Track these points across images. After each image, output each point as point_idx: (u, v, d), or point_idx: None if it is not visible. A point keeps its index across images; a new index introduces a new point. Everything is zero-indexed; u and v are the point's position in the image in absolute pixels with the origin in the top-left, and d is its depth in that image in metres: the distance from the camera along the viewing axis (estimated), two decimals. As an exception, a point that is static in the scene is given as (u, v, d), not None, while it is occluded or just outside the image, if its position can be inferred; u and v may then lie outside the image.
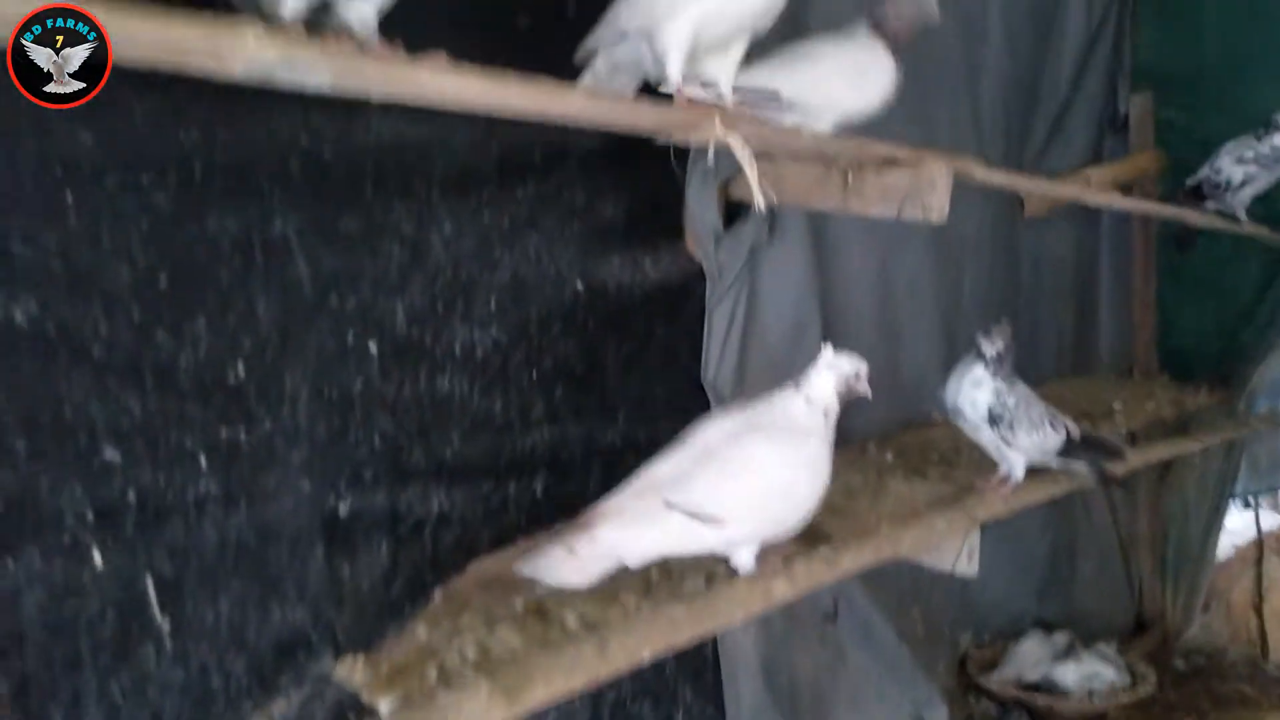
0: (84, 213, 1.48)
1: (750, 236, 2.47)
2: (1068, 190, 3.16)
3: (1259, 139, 3.32)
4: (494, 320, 2.06)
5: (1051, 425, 2.32)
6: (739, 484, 1.71)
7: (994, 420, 2.28)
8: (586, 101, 1.43)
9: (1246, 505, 4.69)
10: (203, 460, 1.63)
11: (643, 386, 2.41)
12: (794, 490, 1.78)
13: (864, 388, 1.84)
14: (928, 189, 1.98)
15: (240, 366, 1.68)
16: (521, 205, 2.09)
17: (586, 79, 1.84)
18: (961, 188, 3.23)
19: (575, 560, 1.64)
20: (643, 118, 1.53)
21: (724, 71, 1.71)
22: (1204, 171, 3.45)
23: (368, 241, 1.85)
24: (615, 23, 1.69)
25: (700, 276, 2.52)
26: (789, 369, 2.71)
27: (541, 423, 2.18)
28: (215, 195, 1.63)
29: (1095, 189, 3.57)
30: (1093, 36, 3.73)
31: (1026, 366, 3.83)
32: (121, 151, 1.51)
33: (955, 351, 3.29)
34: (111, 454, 1.52)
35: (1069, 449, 2.35)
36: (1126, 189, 3.89)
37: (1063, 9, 3.58)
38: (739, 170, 2.43)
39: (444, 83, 1.26)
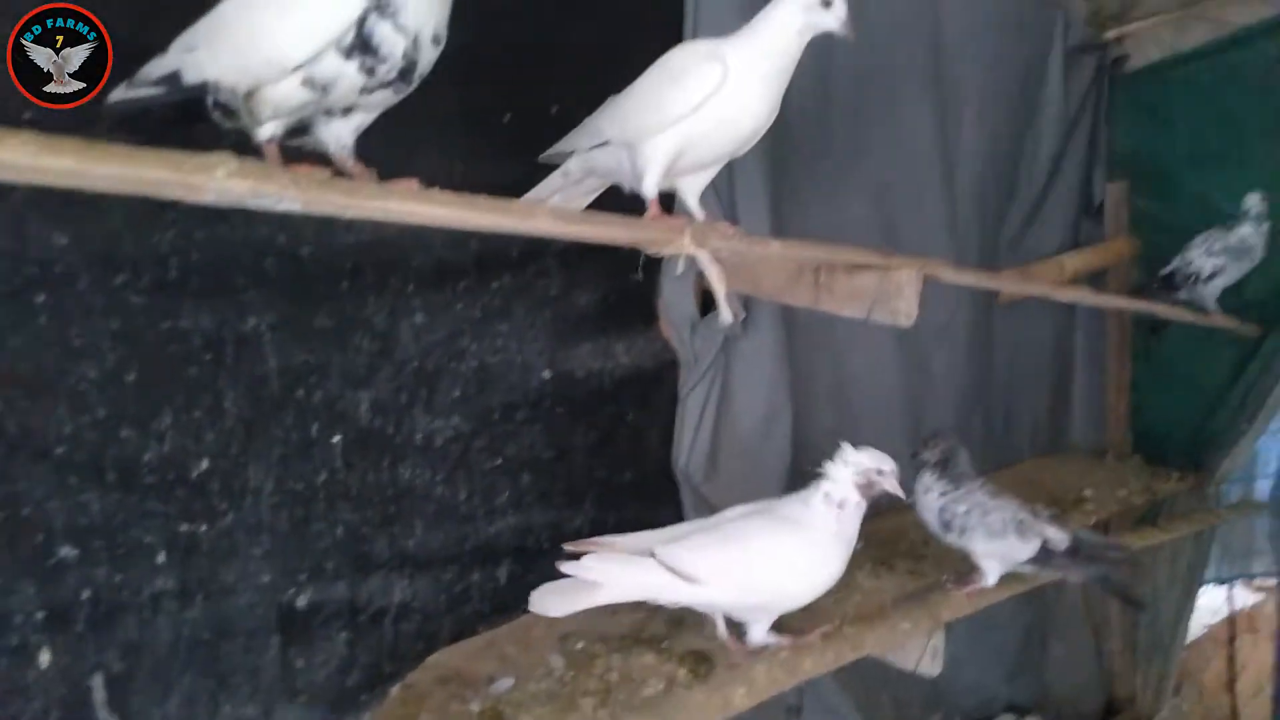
0: (54, 314, 1.51)
1: (725, 327, 2.50)
2: (1038, 287, 3.21)
3: (1228, 230, 3.39)
4: (459, 408, 2.08)
5: (1019, 534, 2.21)
6: (722, 552, 1.79)
7: (945, 526, 2.29)
8: (556, 221, 1.46)
9: (1220, 583, 4.71)
10: (161, 555, 1.64)
11: (611, 472, 2.42)
12: (784, 569, 1.84)
13: (891, 485, 1.85)
14: (895, 294, 2.01)
15: (204, 462, 1.69)
16: (495, 296, 2.12)
17: (556, 178, 1.88)
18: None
19: (557, 591, 1.68)
20: (614, 234, 1.56)
21: (695, 190, 1.76)
22: (1176, 262, 3.51)
23: (339, 335, 1.87)
24: (597, 129, 1.73)
25: (674, 363, 2.54)
26: (760, 456, 2.76)
27: (506, 510, 2.19)
28: (189, 293, 1.65)
29: (1067, 283, 3.64)
30: (1070, 126, 3.82)
31: (1000, 449, 3.90)
32: (96, 252, 1.54)
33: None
34: (67, 552, 1.52)
35: (1048, 558, 2.27)
36: (1101, 275, 3.96)
37: (1040, 101, 3.67)
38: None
39: (413, 209, 1.29)
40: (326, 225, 1.81)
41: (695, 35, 2.34)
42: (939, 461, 2.32)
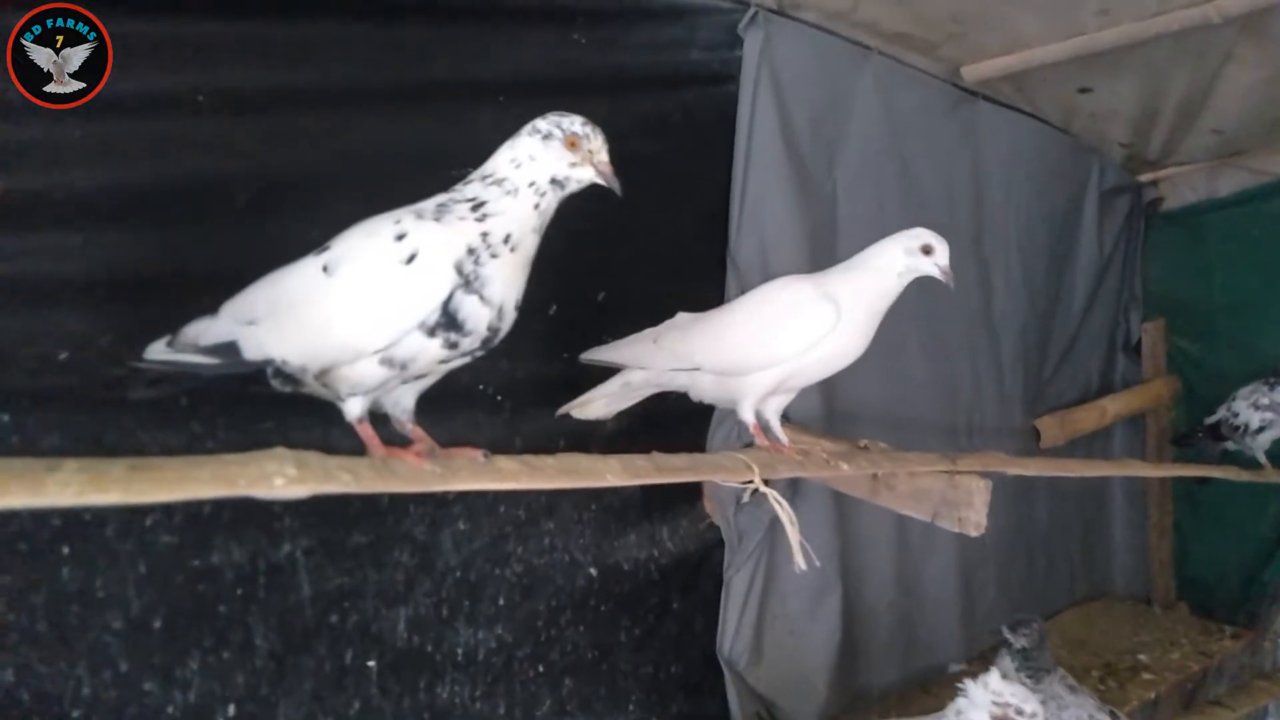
0: (79, 565, 1.39)
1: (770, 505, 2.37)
2: (1101, 468, 3.12)
3: (1271, 386, 3.30)
4: (502, 618, 1.94)
5: (1096, 733, 2.13)
6: None
7: None
8: (626, 474, 1.36)
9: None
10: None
11: (656, 667, 2.27)
12: None
13: None
14: (964, 502, 1.89)
15: (230, 708, 1.55)
16: (541, 493, 2.00)
17: (615, 386, 1.80)
18: (988, 432, 3.21)
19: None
20: (683, 476, 1.46)
21: (778, 408, 1.69)
22: (1221, 413, 3.42)
23: (376, 552, 1.75)
24: (685, 354, 1.68)
25: (719, 543, 2.41)
26: (808, 637, 2.61)
27: (547, 720, 2.03)
28: (222, 526, 1.53)
29: (1108, 425, 3.55)
30: (1104, 266, 3.77)
31: (1041, 595, 3.74)
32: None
33: (972, 598, 3.20)
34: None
35: None
36: (1140, 417, 3.86)
37: (1076, 243, 3.62)
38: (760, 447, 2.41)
39: (480, 485, 1.19)
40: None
41: (740, 222, 2.29)
42: (1023, 649, 2.19)
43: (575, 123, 1.20)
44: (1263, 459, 3.36)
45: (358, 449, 1.68)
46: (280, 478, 0.98)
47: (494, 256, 1.13)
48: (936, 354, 2.94)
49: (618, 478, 1.34)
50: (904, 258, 1.61)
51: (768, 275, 2.42)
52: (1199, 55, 2.62)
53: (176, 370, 1.19)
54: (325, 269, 1.12)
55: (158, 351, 1.20)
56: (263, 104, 1.51)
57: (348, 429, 1.66)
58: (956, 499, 1.90)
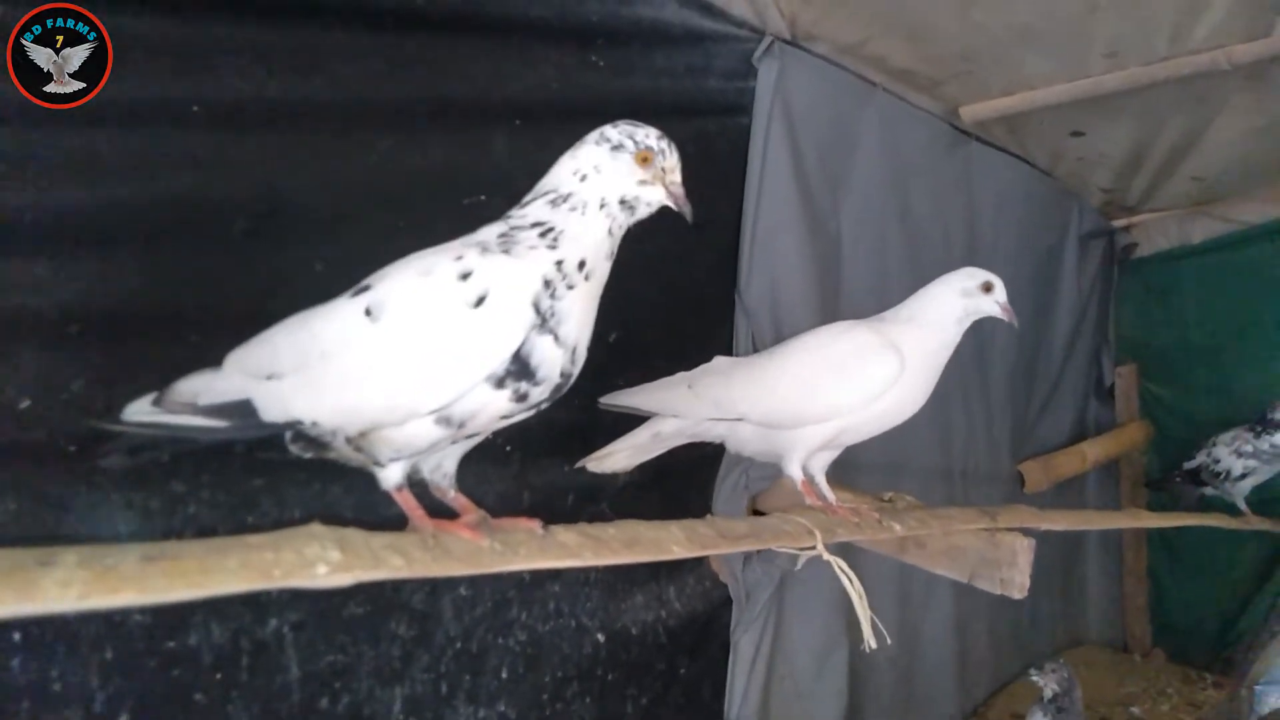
0: (32, 654, 1.16)
1: (783, 561, 2.23)
2: (1131, 519, 3.08)
3: (1256, 435, 3.29)
4: (506, 692, 1.75)
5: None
6: None
7: None
8: (691, 546, 1.22)
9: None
10: None
11: (661, 738, 2.09)
12: None
13: None
14: (1006, 562, 1.78)
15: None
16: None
17: (643, 437, 1.66)
18: (978, 477, 3.13)
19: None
20: (746, 545, 1.32)
21: (824, 465, 1.54)
22: (1201, 458, 3.41)
23: (372, 625, 1.54)
24: (725, 402, 1.54)
25: (726, 601, 2.25)
26: (814, 698, 2.46)
27: (550, 805, 1.83)
28: (201, 603, 1.31)
29: (1089, 470, 3.53)
30: (1082, 310, 3.78)
31: (1025, 644, 3.66)
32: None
33: (966, 649, 3.10)
34: None
35: None
36: (1114, 461, 3.86)
37: (1057, 287, 3.62)
38: (770, 485, 2.27)
39: (540, 563, 1.03)
40: (368, 497, 1.50)
41: (751, 260, 2.18)
42: (1054, 697, 2.09)
43: (650, 135, 1.07)
44: (1243, 505, 3.35)
45: (363, 510, 1.50)
46: (322, 564, 0.81)
47: (570, 288, 0.98)
48: (933, 398, 2.86)
49: (684, 549, 1.19)
50: (960, 300, 1.51)
51: (776, 316, 2.30)
52: (1199, 101, 2.62)
53: (165, 435, 0.98)
54: (368, 313, 0.94)
55: (141, 413, 0.99)
56: (264, 118, 1.33)
57: (349, 486, 1.48)
58: (997, 558, 1.79)
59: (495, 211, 1.65)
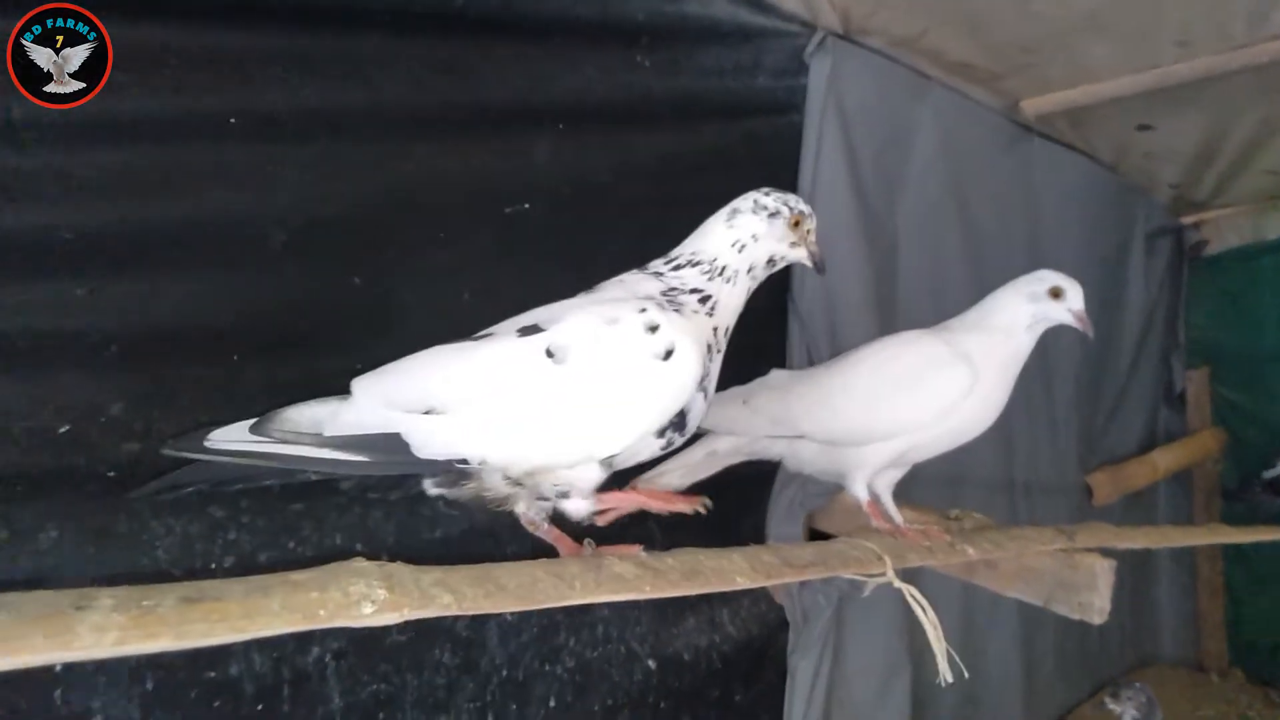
0: (72, 685, 1.12)
1: (841, 581, 2.13)
2: (1215, 536, 2.92)
3: (1338, 442, 3.13)
4: (554, 721, 1.68)
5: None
6: None
7: None
8: (757, 575, 1.14)
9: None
10: None
11: (717, 772, 2.00)
12: None
13: None
14: (1085, 585, 1.66)
15: None
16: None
17: (698, 455, 1.58)
18: (1042, 489, 3.00)
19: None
20: (813, 573, 1.24)
21: (890, 484, 1.45)
22: (1281, 468, 3.25)
23: (415, 652, 1.48)
24: (786, 419, 1.49)
25: (782, 625, 2.16)
26: (876, 725, 2.36)
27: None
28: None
29: (1164, 474, 3.36)
30: (1150, 311, 3.61)
31: (1094, 665, 3.51)
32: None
33: (1032, 671, 2.96)
34: None
35: None
36: (1187, 470, 3.68)
37: (1124, 287, 3.46)
38: (827, 501, 2.17)
39: (591, 595, 0.96)
40: (409, 520, 1.45)
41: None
42: None
43: (800, 202, 1.15)
44: (1328, 517, 3.17)
45: (405, 534, 1.45)
46: (368, 603, 0.75)
47: (719, 352, 1.06)
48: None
49: (747, 579, 1.12)
50: (1029, 306, 1.42)
51: (831, 323, 2.21)
52: (1277, 91, 2.47)
53: (266, 467, 0.94)
54: (550, 354, 0.94)
55: (235, 441, 0.94)
56: (303, 129, 1.28)
57: (389, 511, 1.43)
58: (1075, 581, 1.68)
59: (539, 220, 1.60)
